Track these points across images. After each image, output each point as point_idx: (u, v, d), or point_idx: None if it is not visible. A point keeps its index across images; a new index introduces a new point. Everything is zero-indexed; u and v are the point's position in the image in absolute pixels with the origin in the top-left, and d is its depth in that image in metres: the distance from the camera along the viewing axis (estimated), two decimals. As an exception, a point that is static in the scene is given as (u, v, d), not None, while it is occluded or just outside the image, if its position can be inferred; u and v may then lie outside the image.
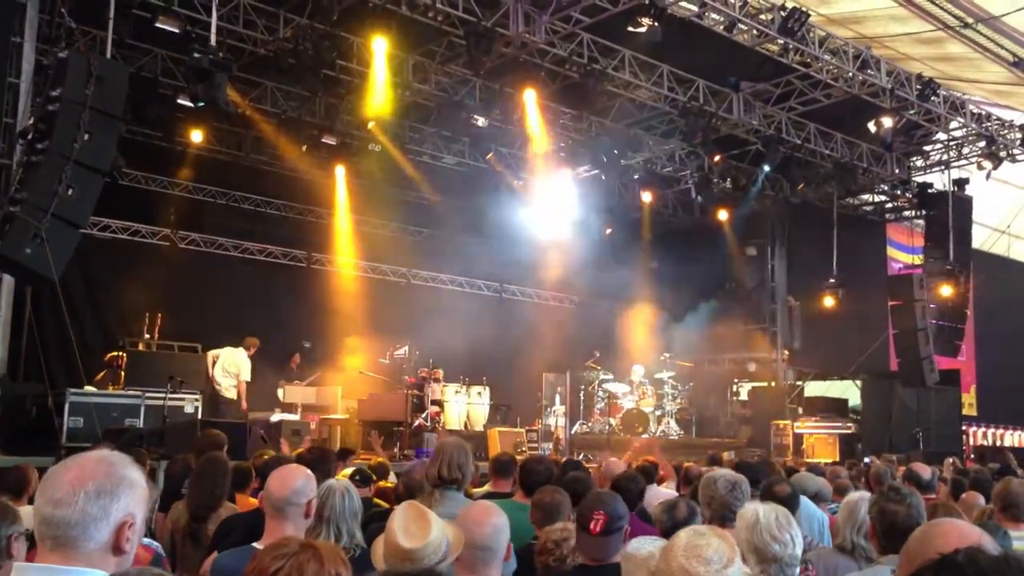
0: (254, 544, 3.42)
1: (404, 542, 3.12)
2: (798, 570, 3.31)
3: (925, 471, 6.99)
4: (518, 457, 6.91)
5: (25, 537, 3.24)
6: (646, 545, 3.16)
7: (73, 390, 10.77)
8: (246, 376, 13.93)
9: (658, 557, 2.62)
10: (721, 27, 13.13)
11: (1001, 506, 4.97)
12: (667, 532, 3.99)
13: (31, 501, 4.68)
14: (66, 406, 10.45)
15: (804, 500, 5.39)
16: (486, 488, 5.81)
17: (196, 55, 11.43)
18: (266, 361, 15.04)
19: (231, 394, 13.79)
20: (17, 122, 11.07)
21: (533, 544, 4.12)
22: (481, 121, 15.38)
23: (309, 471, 3.75)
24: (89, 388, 11.71)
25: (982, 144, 17.74)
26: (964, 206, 18.68)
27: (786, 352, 20.07)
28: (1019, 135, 17.44)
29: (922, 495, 4.44)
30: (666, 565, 2.50)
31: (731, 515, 4.13)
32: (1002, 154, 17.55)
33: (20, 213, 9.25)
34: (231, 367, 13.87)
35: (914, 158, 19.58)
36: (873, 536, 3.79)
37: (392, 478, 7.30)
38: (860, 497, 4.27)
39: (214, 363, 13.93)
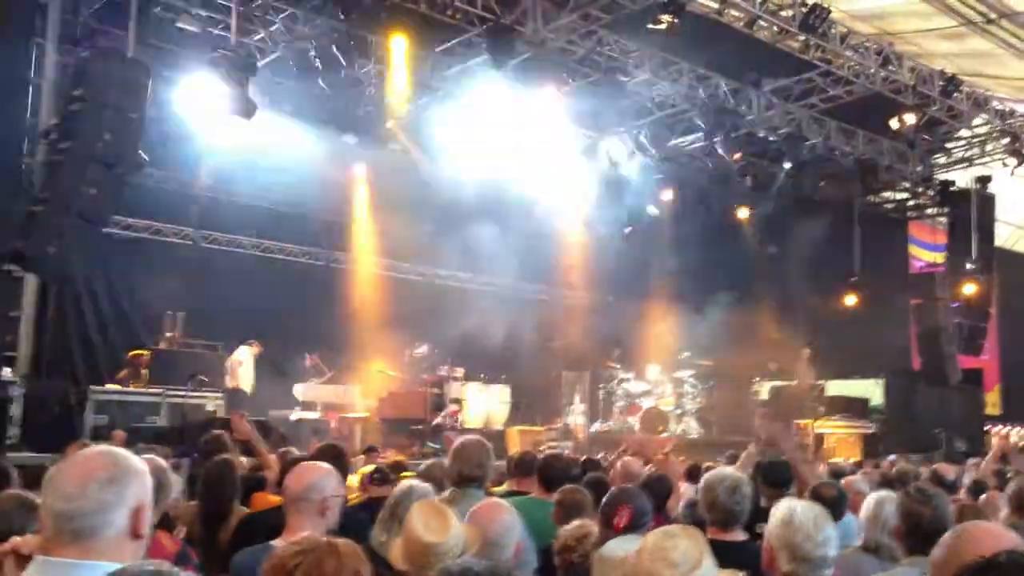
0: (272, 542, 3.42)
1: (427, 536, 3.13)
2: (831, 572, 3.25)
3: (949, 472, 6.92)
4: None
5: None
6: (621, 547, 3.14)
7: (95, 388, 10.87)
8: (239, 358, 14.34)
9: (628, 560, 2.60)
10: (741, 23, 13.06)
11: (1017, 505, 4.92)
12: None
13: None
14: (89, 404, 10.54)
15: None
16: (506, 487, 5.80)
17: (216, 54, 11.49)
18: (287, 360, 15.12)
19: (232, 383, 14.11)
20: (40, 122, 11.16)
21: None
22: (500, 119, 15.36)
23: (329, 468, 3.75)
24: (111, 386, 11.82)
25: (1006, 141, 17.57)
26: (987, 203, 18.51)
27: (807, 351, 19.93)
28: (1043, 132, 17.27)
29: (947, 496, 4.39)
30: (633, 570, 2.48)
31: (732, 519, 4.09)
32: (1026, 150, 17.38)
33: (43, 212, 9.33)
34: (232, 365, 14.20)
35: (937, 155, 19.41)
36: (898, 536, 3.76)
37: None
38: (885, 496, 4.23)
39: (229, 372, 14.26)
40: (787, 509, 3.30)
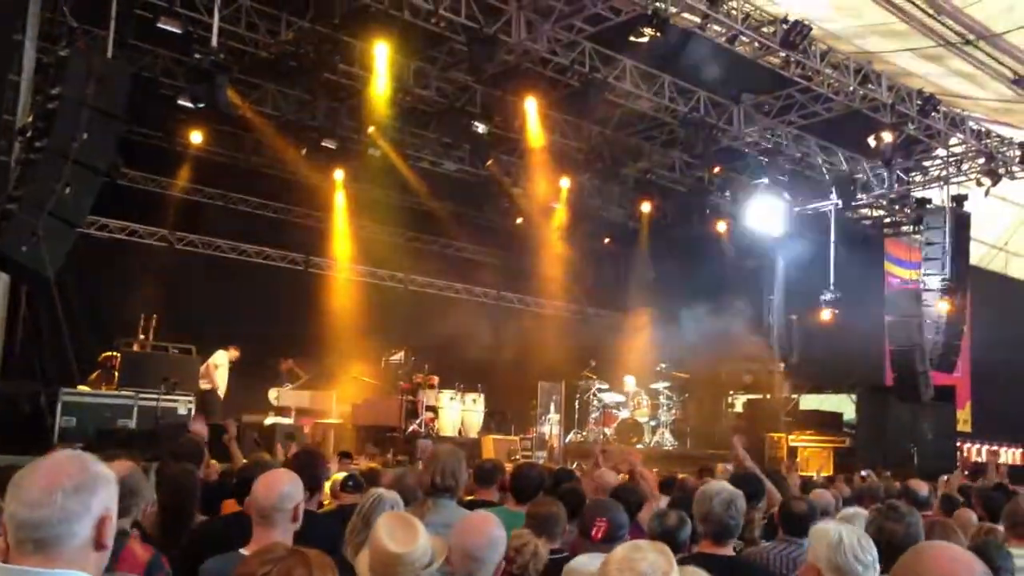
0: (241, 551, 3.38)
1: (393, 547, 3.10)
2: None
3: (922, 488, 6.95)
4: (509, 465, 6.89)
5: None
6: (592, 561, 3.12)
7: (66, 389, 10.74)
8: (216, 362, 14.43)
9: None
10: (723, 39, 13.14)
11: (1010, 524, 4.95)
12: (656, 539, 3.96)
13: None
14: (59, 405, 10.42)
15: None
16: (470, 498, 5.74)
17: (197, 56, 11.43)
18: (261, 364, 15.03)
19: (206, 385, 14.16)
20: (17, 119, 11.04)
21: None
22: (482, 128, 15.37)
23: (295, 475, 3.71)
24: (82, 388, 11.69)
25: (981, 161, 17.75)
26: (962, 222, 18.66)
27: (782, 365, 20.03)
28: (1018, 152, 17.42)
29: (919, 512, 4.40)
30: None
31: (726, 532, 4.09)
32: (1001, 171, 17.54)
33: (17, 211, 9.23)
34: (206, 370, 14.17)
35: (913, 173, 19.58)
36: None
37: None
38: (854, 513, 4.23)
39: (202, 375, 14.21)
40: (834, 532, 3.27)
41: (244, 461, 6.69)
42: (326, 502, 6.05)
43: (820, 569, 3.20)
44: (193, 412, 12.09)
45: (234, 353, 14.78)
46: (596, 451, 8.84)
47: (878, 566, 3.24)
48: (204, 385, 14.09)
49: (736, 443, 8.26)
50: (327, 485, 6.16)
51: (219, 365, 14.59)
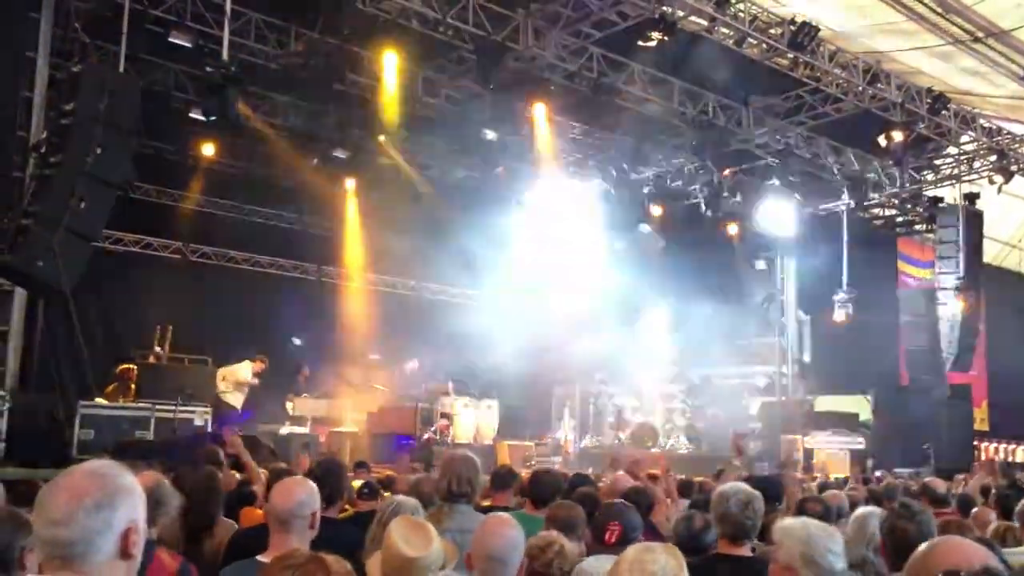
0: (259, 557, 3.42)
1: (408, 551, 3.13)
2: None
3: (940, 486, 6.94)
4: (525, 471, 6.92)
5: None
6: (602, 563, 3.14)
7: (84, 402, 10.81)
8: (241, 372, 14.23)
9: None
10: (731, 41, 13.15)
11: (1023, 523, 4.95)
12: (683, 543, 3.98)
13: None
14: (77, 418, 10.49)
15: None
16: (487, 503, 5.77)
17: (208, 69, 11.51)
18: (275, 374, 15.09)
19: (231, 400, 13.98)
20: (31, 136, 11.14)
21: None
22: (491, 135, 15.41)
23: (311, 483, 3.75)
24: (100, 400, 11.76)
25: (993, 158, 17.68)
26: (975, 220, 18.59)
27: (796, 366, 19.99)
28: (1030, 149, 17.39)
29: (938, 511, 4.41)
30: None
31: (742, 533, 4.10)
32: (1013, 168, 17.48)
33: (33, 226, 9.32)
34: (231, 376, 14.11)
35: (925, 172, 19.52)
36: (884, 553, 3.76)
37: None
38: (869, 512, 4.24)
39: (223, 378, 14.15)
40: (801, 527, 3.30)
41: (260, 470, 6.73)
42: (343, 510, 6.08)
43: (795, 568, 3.21)
44: (207, 424, 12.18)
45: (260, 365, 14.63)
46: (621, 456, 8.88)
47: (844, 560, 3.28)
48: (224, 398, 14.01)
49: (735, 441, 8.41)
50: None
51: (241, 375, 14.46)
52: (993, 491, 7.71)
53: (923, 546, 2.29)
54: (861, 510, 4.39)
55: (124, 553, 2.05)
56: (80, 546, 1.99)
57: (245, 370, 14.41)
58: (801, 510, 4.87)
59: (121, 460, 2.25)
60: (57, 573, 2.01)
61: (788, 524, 3.38)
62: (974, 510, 6.40)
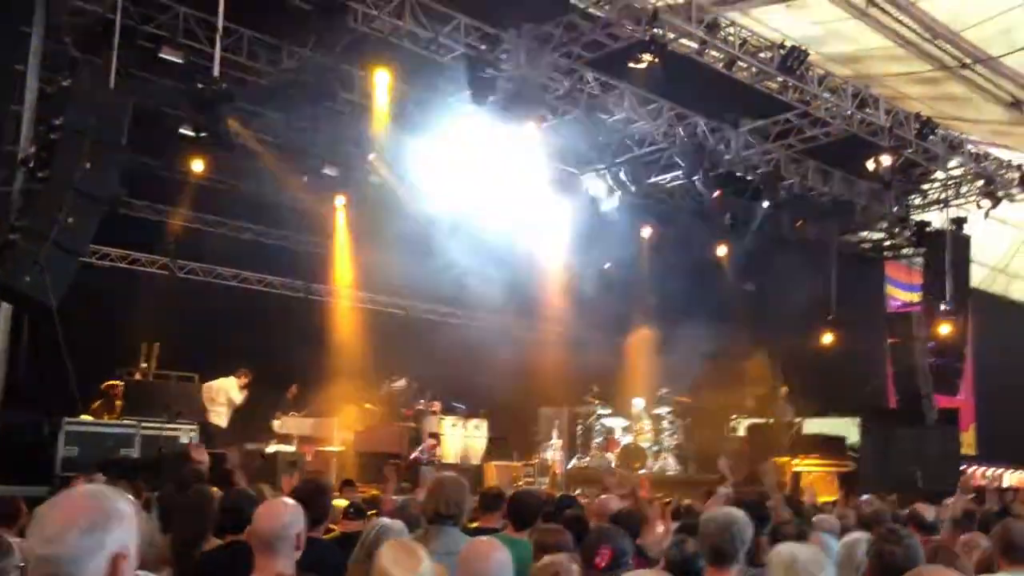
0: (247, 580, 3.38)
1: (397, 573, 3.10)
2: None
3: (929, 511, 6.91)
4: (511, 491, 6.87)
5: (20, 572, 3.22)
6: None
7: (68, 419, 10.71)
8: (237, 399, 14.04)
9: None
10: (721, 64, 13.22)
11: (1001, 548, 4.90)
12: (675, 568, 3.94)
13: (22, 533, 4.62)
14: (61, 435, 10.40)
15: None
16: (475, 525, 5.74)
17: (199, 85, 11.50)
18: (263, 392, 15.00)
19: (218, 420, 13.87)
20: (19, 150, 11.09)
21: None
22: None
23: (296, 503, 3.72)
24: (85, 417, 11.66)
25: (980, 183, 17.81)
26: (962, 244, 18.70)
27: (784, 389, 19.99)
28: (1017, 175, 17.49)
29: (925, 536, 4.39)
30: None
31: (726, 557, 4.05)
32: (1000, 193, 17.60)
33: (20, 241, 9.27)
34: (220, 395, 13.99)
35: (912, 196, 19.65)
36: (871, 578, 3.75)
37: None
38: (858, 538, 4.22)
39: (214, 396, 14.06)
40: (787, 554, 3.29)
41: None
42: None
43: None
44: (195, 440, 12.07)
45: (244, 379, 14.55)
46: (609, 478, 8.87)
47: None
48: (211, 417, 13.92)
49: (722, 466, 8.49)
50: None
51: (227, 391, 14.37)
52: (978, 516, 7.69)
53: (909, 574, 2.28)
54: (850, 536, 4.37)
55: None
56: (70, 565, 1.99)
57: (234, 386, 14.34)
58: (775, 534, 4.83)
59: (105, 477, 2.24)
60: None
61: (778, 550, 3.37)
62: (963, 537, 6.35)
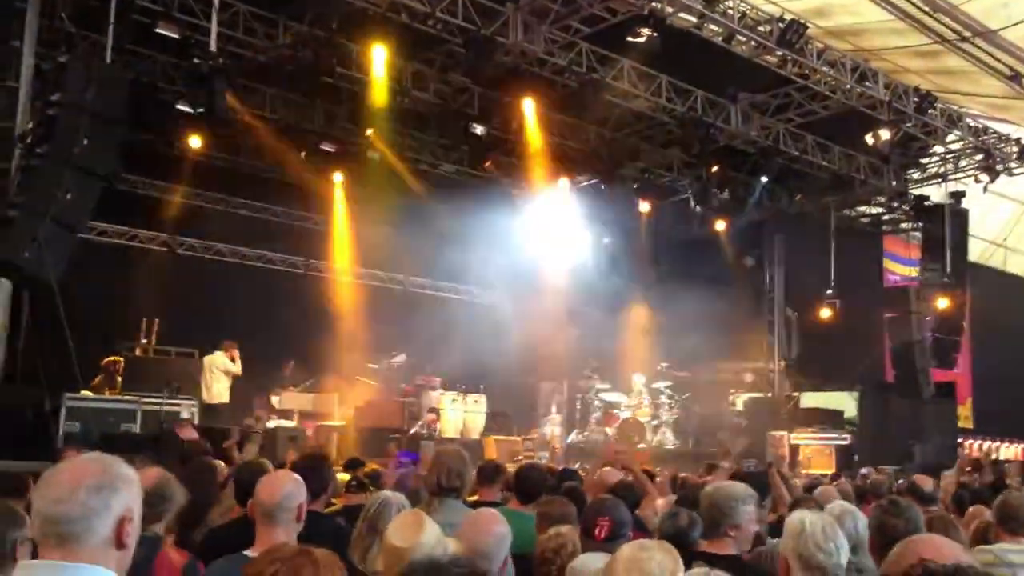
0: (246, 552, 3.41)
1: (397, 542, 3.14)
2: None
3: (927, 483, 6.97)
4: (512, 466, 6.93)
5: (32, 543, 3.25)
6: (595, 560, 3.14)
7: (70, 395, 10.75)
8: (233, 368, 14.05)
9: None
10: (720, 38, 13.17)
11: (999, 519, 4.96)
12: (668, 539, 3.96)
13: (29, 508, 4.65)
14: (63, 411, 10.44)
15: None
16: (474, 498, 5.77)
17: (196, 61, 11.45)
18: (262, 368, 15.03)
19: (219, 397, 13.90)
20: (16, 126, 11.06)
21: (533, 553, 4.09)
22: (480, 129, 15.38)
23: (297, 476, 3.75)
24: (86, 393, 11.71)
25: (979, 157, 17.79)
26: (961, 219, 18.71)
27: (783, 363, 20.07)
28: (1016, 148, 17.47)
29: (924, 507, 4.41)
30: None
31: (717, 530, 4.05)
32: (999, 167, 17.58)
33: (19, 217, 9.26)
34: (208, 371, 13.99)
35: (911, 170, 19.62)
36: (873, 550, 3.76)
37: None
38: (843, 510, 4.16)
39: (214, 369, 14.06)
40: (798, 520, 3.32)
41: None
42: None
43: (787, 559, 3.23)
44: (195, 417, 12.12)
45: (231, 352, 14.45)
46: (608, 452, 8.89)
47: (844, 553, 3.28)
48: (206, 393, 13.89)
49: (724, 441, 8.49)
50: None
51: (231, 371, 14.30)
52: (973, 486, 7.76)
53: (901, 542, 2.31)
54: (833, 505, 4.32)
55: (118, 541, 2.10)
56: (79, 524, 2.04)
57: (221, 359, 14.25)
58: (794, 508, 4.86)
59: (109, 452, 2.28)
60: (50, 554, 2.05)
61: (790, 519, 3.39)
62: (970, 508, 6.39)
